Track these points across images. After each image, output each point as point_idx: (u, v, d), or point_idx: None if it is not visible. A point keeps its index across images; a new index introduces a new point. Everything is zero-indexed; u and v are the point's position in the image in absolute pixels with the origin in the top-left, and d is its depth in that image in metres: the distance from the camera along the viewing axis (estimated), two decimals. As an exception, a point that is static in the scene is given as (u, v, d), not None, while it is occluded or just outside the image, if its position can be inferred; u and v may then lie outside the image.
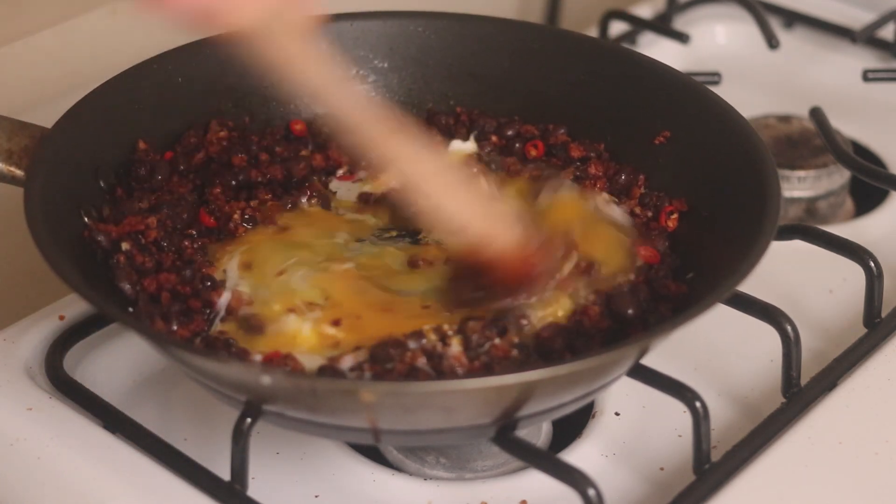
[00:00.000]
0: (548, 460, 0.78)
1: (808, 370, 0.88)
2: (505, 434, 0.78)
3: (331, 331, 0.82)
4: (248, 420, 0.77)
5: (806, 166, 1.10)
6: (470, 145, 0.98)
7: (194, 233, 0.90)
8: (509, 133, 0.99)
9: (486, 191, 0.88)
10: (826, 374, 0.88)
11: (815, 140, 1.11)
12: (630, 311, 0.83)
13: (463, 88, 1.02)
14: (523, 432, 0.82)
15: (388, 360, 0.79)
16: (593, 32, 1.25)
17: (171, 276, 0.85)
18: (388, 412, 0.76)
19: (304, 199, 0.94)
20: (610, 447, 0.87)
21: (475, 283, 0.85)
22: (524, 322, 0.82)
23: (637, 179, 0.94)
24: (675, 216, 0.92)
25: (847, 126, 1.14)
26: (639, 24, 1.26)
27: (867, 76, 1.19)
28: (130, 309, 0.83)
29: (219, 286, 0.85)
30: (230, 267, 0.87)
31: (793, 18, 1.31)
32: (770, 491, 0.80)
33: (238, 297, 0.84)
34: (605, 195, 0.93)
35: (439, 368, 0.79)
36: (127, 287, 0.84)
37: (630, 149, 0.96)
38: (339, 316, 0.83)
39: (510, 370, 0.78)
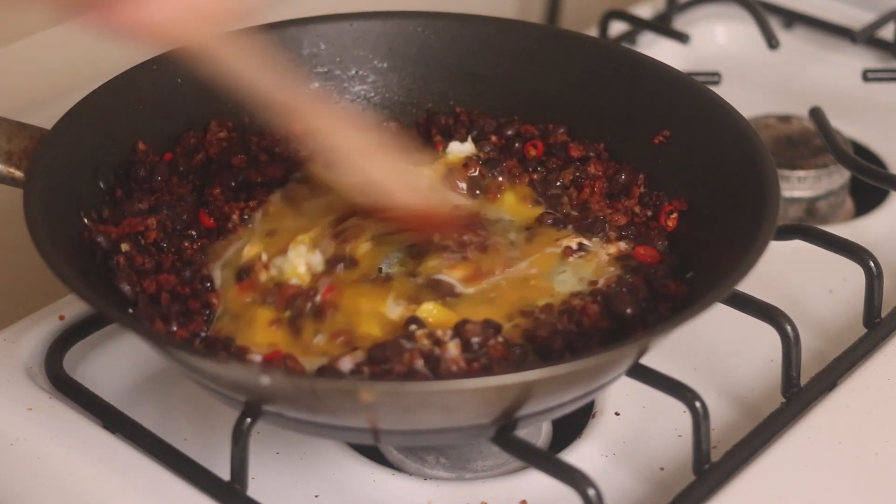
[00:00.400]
0: (548, 460, 0.78)
1: (808, 370, 0.88)
2: (505, 434, 0.78)
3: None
4: (248, 420, 0.77)
5: (806, 166, 1.10)
6: (468, 147, 0.98)
7: (194, 233, 0.90)
8: (509, 133, 0.99)
9: (399, 160, 0.91)
10: (826, 374, 0.88)
11: (815, 140, 1.11)
12: (629, 311, 0.84)
13: (462, 88, 1.02)
14: (523, 432, 0.82)
15: (385, 361, 0.79)
16: (593, 32, 1.25)
17: (170, 277, 0.85)
18: (388, 412, 0.76)
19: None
20: (610, 447, 0.87)
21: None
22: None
23: (637, 179, 0.94)
24: (674, 215, 0.92)
25: (847, 126, 1.14)
26: (639, 24, 1.26)
27: (867, 76, 1.19)
28: (130, 310, 0.83)
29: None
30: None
31: (793, 18, 1.31)
32: (770, 491, 0.80)
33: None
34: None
35: (437, 371, 0.79)
36: (126, 288, 0.84)
37: (630, 148, 0.96)
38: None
39: (510, 370, 0.78)
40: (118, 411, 0.85)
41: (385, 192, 0.88)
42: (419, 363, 0.79)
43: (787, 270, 0.99)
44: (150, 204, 0.90)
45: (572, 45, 1.00)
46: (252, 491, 0.80)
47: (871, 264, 0.92)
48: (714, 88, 0.94)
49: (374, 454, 0.87)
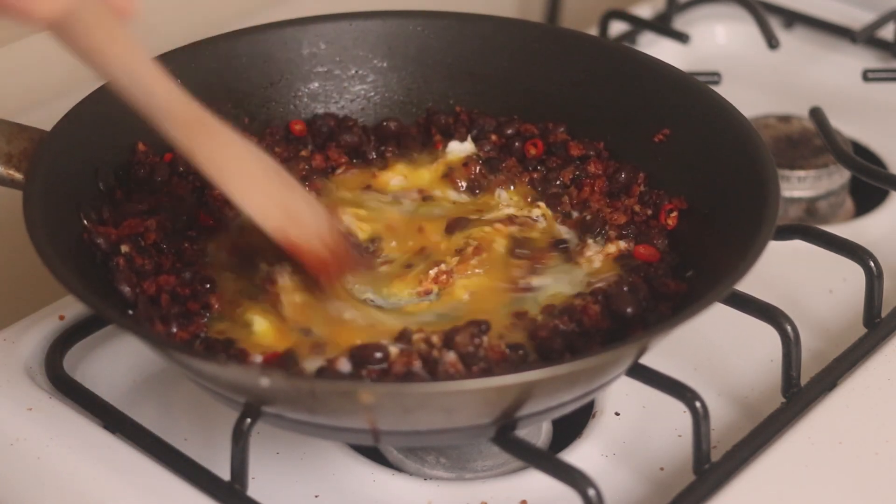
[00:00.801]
0: (548, 460, 0.78)
1: (808, 370, 0.88)
2: (505, 434, 0.78)
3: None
4: (248, 420, 0.77)
5: (806, 166, 1.10)
6: (468, 146, 0.98)
7: (194, 234, 0.90)
8: (509, 132, 0.99)
9: (289, 181, 0.87)
10: (826, 374, 0.88)
11: (815, 140, 1.11)
12: (629, 310, 0.83)
13: (462, 88, 1.02)
14: (523, 432, 0.82)
15: (367, 362, 0.79)
16: (593, 32, 1.25)
17: (170, 279, 0.85)
18: (388, 413, 0.76)
19: None
20: (610, 447, 0.87)
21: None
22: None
23: (637, 178, 0.94)
24: (674, 214, 0.92)
25: (847, 126, 1.14)
26: (639, 24, 1.26)
27: (867, 76, 1.19)
28: (130, 311, 0.83)
29: None
30: None
31: (793, 18, 1.31)
32: (770, 491, 0.80)
33: None
34: None
35: (434, 373, 0.79)
36: (126, 289, 0.84)
37: (630, 147, 0.96)
38: None
39: (510, 370, 0.78)
40: (118, 411, 0.85)
41: (263, 215, 0.84)
42: (417, 364, 0.79)
43: (787, 270, 0.99)
44: (150, 205, 0.90)
45: (572, 45, 1.00)
46: (252, 491, 0.80)
47: (871, 264, 0.92)
48: (714, 88, 0.94)
49: (374, 454, 0.87)
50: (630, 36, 1.27)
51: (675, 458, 0.86)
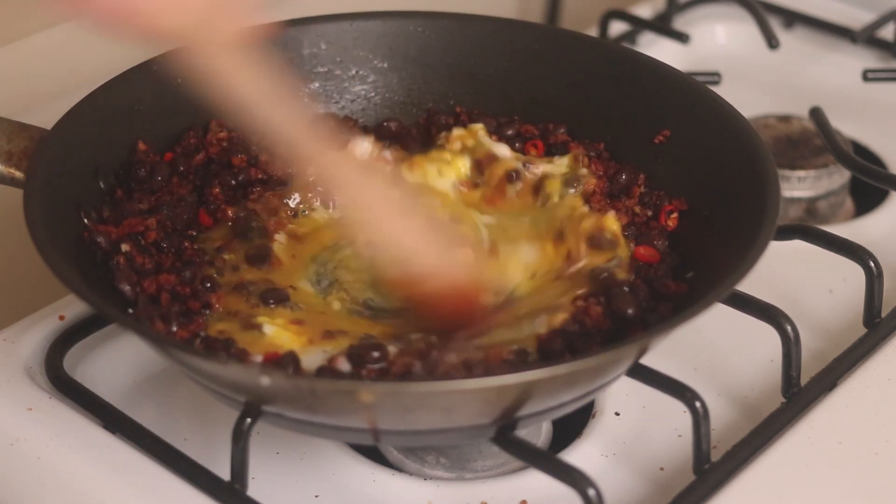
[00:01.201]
0: (548, 460, 0.78)
1: (808, 370, 0.88)
2: (505, 434, 0.78)
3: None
4: (248, 420, 0.77)
5: (806, 166, 1.10)
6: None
7: (194, 233, 0.90)
8: (509, 133, 0.99)
9: (431, 219, 0.85)
10: (826, 374, 0.88)
11: (815, 140, 1.11)
12: (630, 311, 0.83)
13: (463, 88, 1.02)
14: (523, 432, 0.82)
15: (364, 361, 0.79)
16: (593, 32, 1.25)
17: (170, 278, 0.85)
18: (388, 412, 0.76)
19: (299, 196, 0.93)
20: (610, 447, 0.87)
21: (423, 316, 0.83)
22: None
23: (637, 178, 0.94)
24: (674, 215, 0.92)
25: (847, 126, 1.14)
26: (639, 24, 1.26)
27: (867, 76, 1.19)
28: (130, 310, 0.83)
29: None
30: None
31: (793, 18, 1.31)
32: (770, 491, 0.80)
33: None
34: None
35: (433, 373, 0.79)
36: (126, 288, 0.84)
37: (630, 148, 0.96)
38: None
39: (510, 370, 0.78)
40: (118, 411, 0.85)
41: (404, 254, 0.81)
42: (417, 365, 0.79)
43: (787, 270, 0.99)
44: (150, 204, 0.90)
45: (572, 45, 1.00)
46: (252, 491, 0.80)
47: (871, 264, 0.92)
48: (714, 88, 0.94)
49: (374, 454, 0.87)
50: (630, 36, 1.27)
51: (675, 458, 0.86)
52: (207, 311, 0.84)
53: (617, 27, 1.27)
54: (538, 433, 0.89)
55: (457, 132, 0.98)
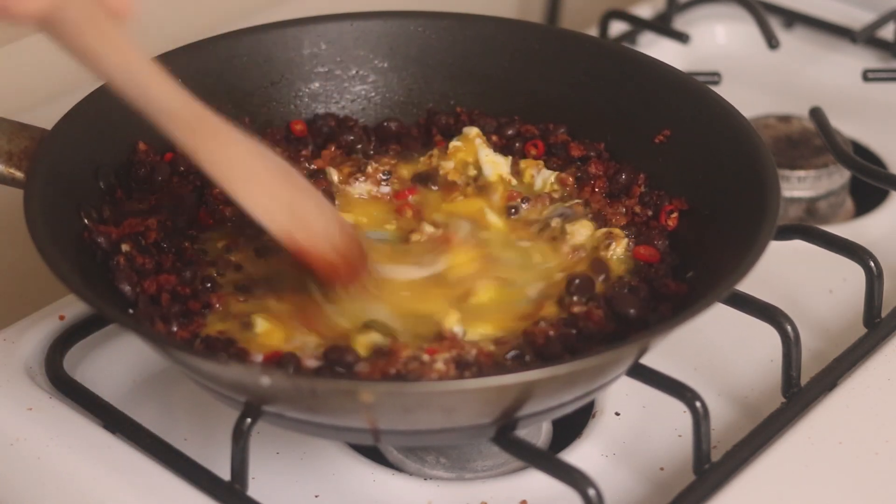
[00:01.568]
0: (548, 460, 0.78)
1: (808, 370, 0.88)
2: (505, 434, 0.78)
3: None
4: (248, 420, 0.77)
5: (806, 166, 1.10)
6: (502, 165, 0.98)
7: (194, 233, 0.90)
8: (509, 133, 0.99)
9: (298, 180, 0.85)
10: (826, 374, 0.88)
11: (815, 140, 1.11)
12: (632, 311, 0.83)
13: (463, 88, 1.02)
14: (523, 432, 0.82)
15: (339, 363, 0.79)
16: (593, 32, 1.25)
17: (170, 278, 0.85)
18: (388, 412, 0.76)
19: None
20: (610, 447, 0.87)
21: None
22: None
23: (637, 178, 0.94)
24: (675, 215, 0.92)
25: (847, 126, 1.14)
26: (639, 24, 1.26)
27: (867, 76, 1.19)
28: (130, 310, 0.83)
29: None
30: None
31: (793, 18, 1.31)
32: (770, 491, 0.80)
33: None
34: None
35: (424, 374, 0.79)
36: (127, 288, 0.84)
37: (630, 148, 0.96)
38: None
39: (509, 370, 0.78)
40: (118, 411, 0.85)
41: (269, 218, 0.82)
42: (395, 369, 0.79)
43: (787, 270, 0.99)
44: (150, 204, 0.90)
45: (573, 45, 1.00)
46: (252, 491, 0.80)
47: (872, 264, 0.92)
48: (714, 88, 0.94)
49: (374, 454, 0.87)
50: (630, 36, 1.27)
51: (675, 458, 0.86)
52: (207, 311, 0.84)
53: (617, 27, 1.27)
54: (538, 433, 0.89)
55: (454, 144, 0.98)
